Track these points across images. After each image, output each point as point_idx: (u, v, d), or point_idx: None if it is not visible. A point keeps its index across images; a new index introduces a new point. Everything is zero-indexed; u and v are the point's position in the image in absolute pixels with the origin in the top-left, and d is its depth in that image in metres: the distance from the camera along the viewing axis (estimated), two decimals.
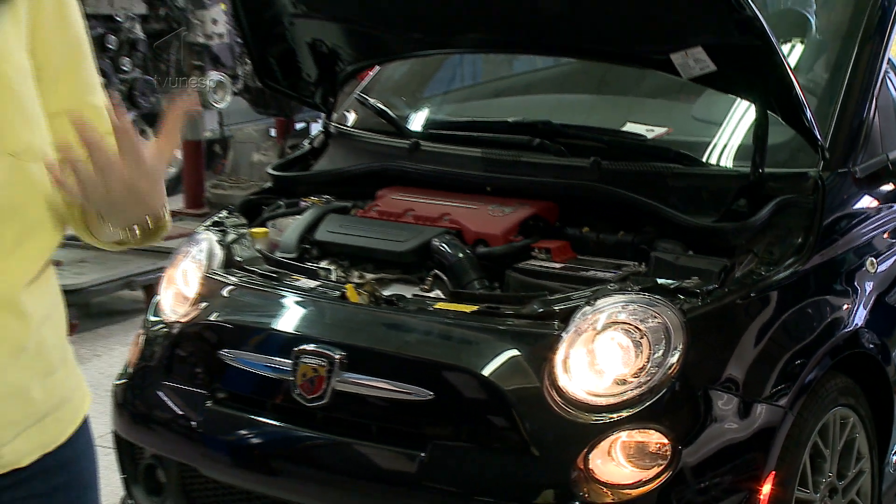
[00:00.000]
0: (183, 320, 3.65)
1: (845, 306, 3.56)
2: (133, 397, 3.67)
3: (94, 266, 6.41)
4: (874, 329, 3.61)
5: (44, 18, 1.77)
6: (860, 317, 3.57)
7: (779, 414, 3.21)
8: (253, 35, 4.15)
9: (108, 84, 7.15)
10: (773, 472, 3.18)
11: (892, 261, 3.80)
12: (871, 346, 3.59)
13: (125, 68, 7.37)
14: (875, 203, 3.82)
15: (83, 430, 1.87)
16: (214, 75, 7.85)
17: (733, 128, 3.92)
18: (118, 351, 4.66)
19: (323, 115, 4.50)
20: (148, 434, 3.66)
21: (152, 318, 3.78)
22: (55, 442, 1.79)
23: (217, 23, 7.76)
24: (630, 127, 4.00)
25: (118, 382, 3.73)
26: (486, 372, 3.16)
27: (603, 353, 3.13)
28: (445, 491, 3.20)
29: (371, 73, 4.64)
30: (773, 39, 3.28)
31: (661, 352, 3.11)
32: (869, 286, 3.65)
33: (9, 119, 1.65)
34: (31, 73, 1.72)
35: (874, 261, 3.70)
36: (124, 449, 3.71)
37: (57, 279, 1.80)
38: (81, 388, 1.89)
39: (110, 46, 7.21)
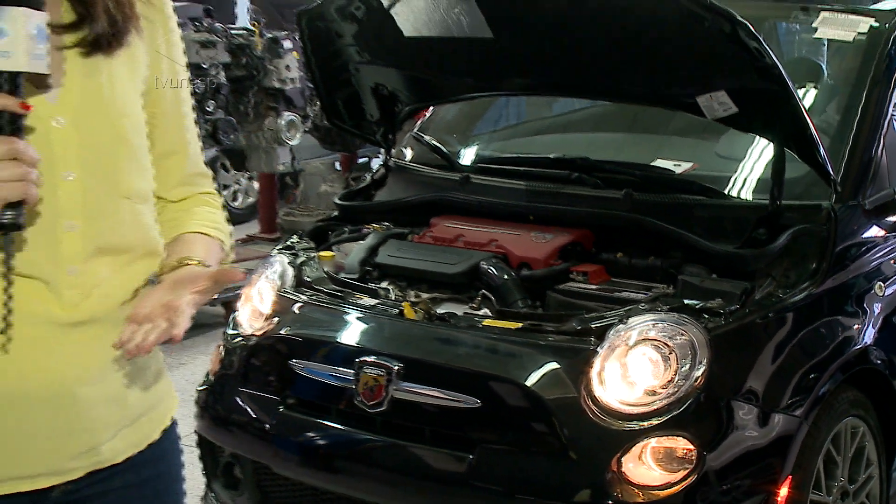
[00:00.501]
0: (258, 334, 3.66)
1: (856, 326, 3.52)
2: (214, 402, 3.69)
3: None
4: (882, 347, 3.57)
5: (160, 71, 1.81)
6: (869, 335, 3.53)
7: (795, 423, 3.19)
8: (322, 80, 4.16)
9: (196, 123, 7.21)
10: (790, 476, 3.16)
11: None
12: (880, 362, 3.56)
13: (210, 110, 7.41)
14: (883, 232, 3.79)
15: (171, 431, 1.89)
16: (287, 115, 7.89)
17: (753, 163, 3.89)
18: (201, 360, 4.68)
19: (383, 150, 4.50)
20: (226, 435, 3.67)
21: (231, 332, 3.80)
22: (146, 441, 1.82)
23: (290, 69, 7.80)
24: (659, 162, 3.99)
25: (201, 388, 3.75)
26: (529, 382, 3.15)
27: (635, 367, 3.12)
28: (491, 490, 3.18)
29: (426, 113, 4.65)
30: (790, 84, 3.27)
31: (687, 366, 3.10)
32: (877, 308, 3.61)
33: (125, 168, 1.69)
34: (145, 124, 1.75)
35: (882, 285, 3.66)
36: (206, 448, 3.72)
37: None
38: (170, 394, 1.91)
39: (197, 91, 7.25)
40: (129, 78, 1.72)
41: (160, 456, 1.85)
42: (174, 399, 1.92)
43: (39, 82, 1.54)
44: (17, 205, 1.43)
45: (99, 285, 1.67)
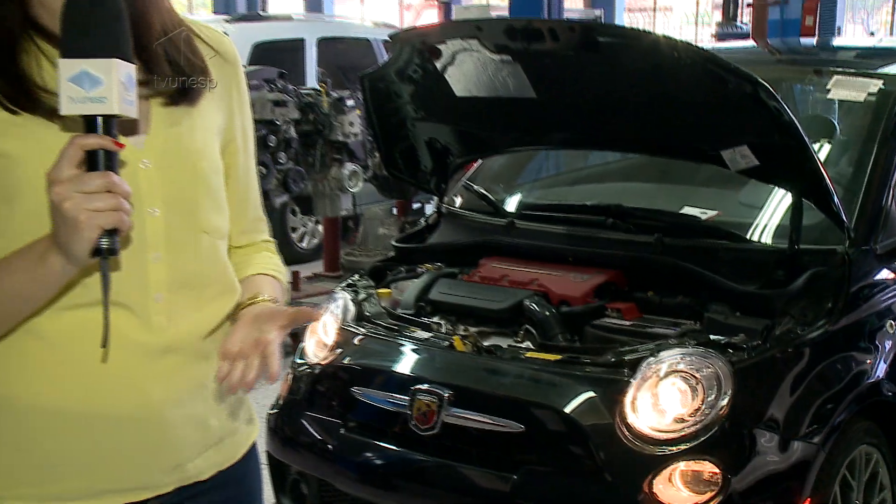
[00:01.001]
0: (323, 363, 3.68)
1: (868, 361, 3.47)
2: (283, 424, 3.69)
3: None
4: (894, 380, 3.52)
5: (233, 124, 1.83)
6: (881, 370, 3.49)
7: (813, 450, 3.15)
8: (382, 135, 4.18)
9: (269, 173, 7.29)
10: (809, 499, 3.13)
11: None
12: (891, 394, 3.50)
13: (281, 161, 7.47)
14: (893, 275, 3.74)
15: (252, 452, 1.90)
16: (350, 166, 7.93)
17: (773, 211, 3.87)
18: (272, 386, 4.67)
19: (436, 198, 4.51)
20: (294, 454, 3.67)
21: (298, 361, 3.81)
22: (229, 461, 1.82)
23: (353, 125, 7.85)
24: (687, 210, 3.97)
25: (271, 412, 3.75)
26: (568, 410, 3.14)
27: (665, 396, 3.10)
28: None
29: (475, 164, 4.65)
30: (806, 140, 3.27)
31: (713, 396, 3.08)
32: (888, 344, 3.57)
33: (204, 205, 1.71)
34: (222, 170, 1.78)
35: (893, 323, 3.62)
36: (275, 466, 3.72)
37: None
38: (252, 419, 1.91)
39: (271, 144, 7.32)
40: (207, 126, 1.75)
41: (242, 476, 1.86)
42: (255, 424, 1.93)
43: (129, 127, 1.57)
44: (112, 232, 1.45)
45: (183, 315, 1.69)
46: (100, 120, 1.44)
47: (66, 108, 1.43)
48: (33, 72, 1.58)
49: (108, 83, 1.43)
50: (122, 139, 1.48)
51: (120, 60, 1.44)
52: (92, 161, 1.43)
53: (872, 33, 22.26)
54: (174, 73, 1.68)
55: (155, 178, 1.64)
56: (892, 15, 23.11)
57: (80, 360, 1.60)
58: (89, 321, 1.56)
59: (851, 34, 20.02)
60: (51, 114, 1.52)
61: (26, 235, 1.53)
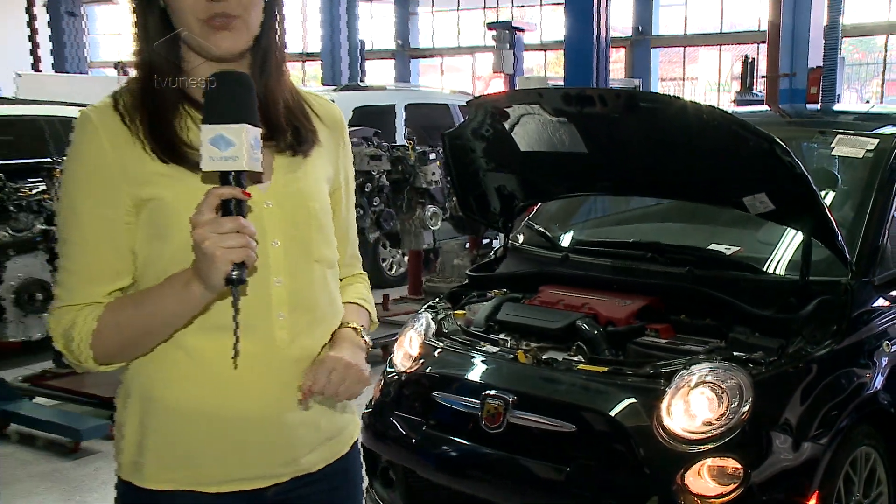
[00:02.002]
0: (408, 371, 3.68)
1: (867, 375, 3.40)
2: (375, 421, 3.69)
3: None
4: (889, 391, 3.45)
5: (339, 173, 1.85)
6: (879, 382, 3.42)
7: (820, 450, 3.09)
8: (459, 183, 4.20)
9: (365, 214, 7.38)
10: (817, 492, 3.06)
11: None
12: (887, 402, 3.43)
13: (375, 204, 7.55)
14: (888, 303, 3.67)
15: (355, 448, 1.91)
16: (431, 208, 7.98)
17: (786, 248, 3.84)
18: (366, 390, 4.70)
19: (503, 235, 4.50)
20: (384, 446, 3.66)
21: (388, 369, 3.82)
22: (335, 456, 1.83)
23: (434, 174, 7.91)
24: (713, 246, 3.93)
25: (366, 411, 3.75)
26: (613, 413, 3.11)
27: (695, 403, 3.07)
28: (583, 495, 3.13)
29: (535, 207, 4.64)
30: (815, 188, 3.24)
31: (736, 403, 3.05)
32: (885, 361, 3.50)
33: (316, 239, 1.73)
34: (330, 210, 1.80)
35: (889, 343, 3.55)
36: (368, 456, 3.70)
37: None
38: (354, 420, 1.91)
39: (367, 190, 7.41)
40: (318, 174, 1.76)
41: (346, 468, 1.86)
42: (357, 424, 1.93)
43: (255, 177, 1.60)
44: (241, 265, 1.48)
45: (300, 333, 1.70)
46: (232, 174, 1.48)
47: (206, 165, 1.48)
48: (183, 132, 1.63)
49: (240, 145, 1.47)
50: (249, 188, 1.51)
51: (249, 126, 1.48)
52: (226, 207, 1.47)
53: (868, 101, 22.04)
54: (292, 133, 1.72)
55: (276, 216, 1.66)
56: (882, 86, 22.96)
57: (216, 370, 1.63)
58: (223, 338, 1.58)
59: (849, 101, 19.85)
60: (195, 166, 1.56)
61: (175, 266, 1.57)
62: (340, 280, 1.91)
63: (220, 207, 1.47)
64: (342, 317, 1.83)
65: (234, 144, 1.47)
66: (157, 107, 1.62)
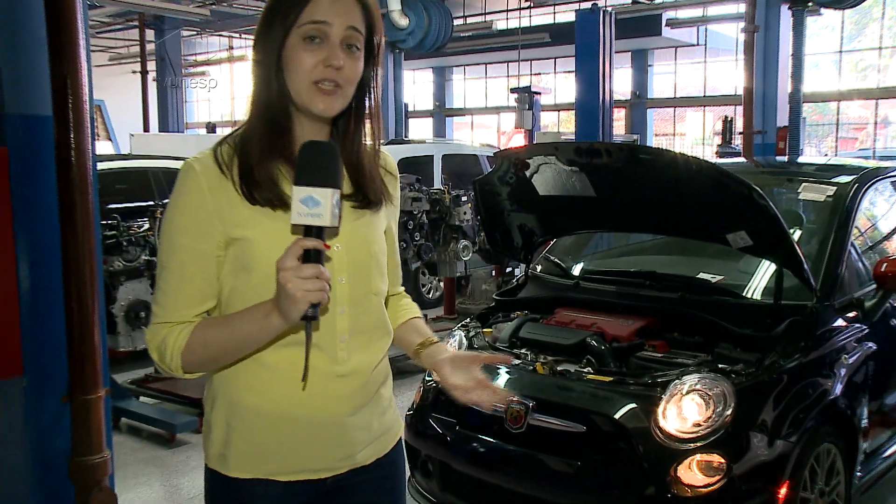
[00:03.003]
0: None
1: (829, 383, 3.36)
2: (416, 421, 3.66)
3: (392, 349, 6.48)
4: (847, 397, 3.42)
5: (391, 217, 1.84)
6: (838, 389, 3.38)
7: (790, 446, 3.06)
8: (487, 221, 4.17)
9: (407, 246, 7.39)
10: (787, 481, 3.03)
11: (856, 356, 3.57)
12: (844, 406, 3.40)
13: (416, 238, 7.56)
14: (846, 323, 3.64)
15: (399, 445, 1.88)
16: (463, 242, 7.97)
17: (762, 277, 3.80)
18: (407, 395, 4.66)
19: (524, 265, 4.46)
20: (423, 442, 3.62)
21: (427, 378, 3.78)
22: (384, 451, 1.81)
23: (466, 214, 7.92)
24: (701, 275, 3.90)
25: (408, 413, 3.73)
26: (617, 416, 3.07)
27: (686, 408, 3.04)
28: (591, 485, 3.08)
29: (551, 242, 4.60)
30: (785, 227, 3.24)
31: (721, 407, 3.02)
32: (843, 371, 3.46)
33: (374, 275, 1.72)
34: (386, 251, 1.78)
35: (846, 356, 3.51)
36: (410, 450, 3.65)
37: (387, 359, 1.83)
38: (398, 421, 1.88)
39: (409, 227, 7.42)
40: (377, 221, 1.75)
41: (392, 461, 1.84)
42: (401, 425, 1.91)
43: (333, 231, 1.59)
44: (316, 305, 1.48)
45: (358, 352, 1.69)
46: (314, 228, 1.48)
47: (295, 220, 1.48)
48: (280, 182, 1.61)
49: (325, 205, 1.47)
50: (328, 239, 1.52)
51: (334, 189, 1.48)
52: (307, 255, 1.46)
53: (825, 154, 22.00)
54: (370, 194, 1.71)
55: (343, 257, 1.65)
56: (836, 142, 23.12)
57: (288, 381, 1.62)
58: (295, 355, 1.58)
59: (810, 155, 19.81)
60: (284, 209, 1.57)
61: (257, 295, 1.57)
62: (392, 296, 1.90)
63: (303, 255, 1.46)
64: (416, 333, 1.85)
65: (320, 204, 1.46)
66: (260, 153, 1.61)
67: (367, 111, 1.69)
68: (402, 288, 1.99)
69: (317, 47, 1.56)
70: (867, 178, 4.28)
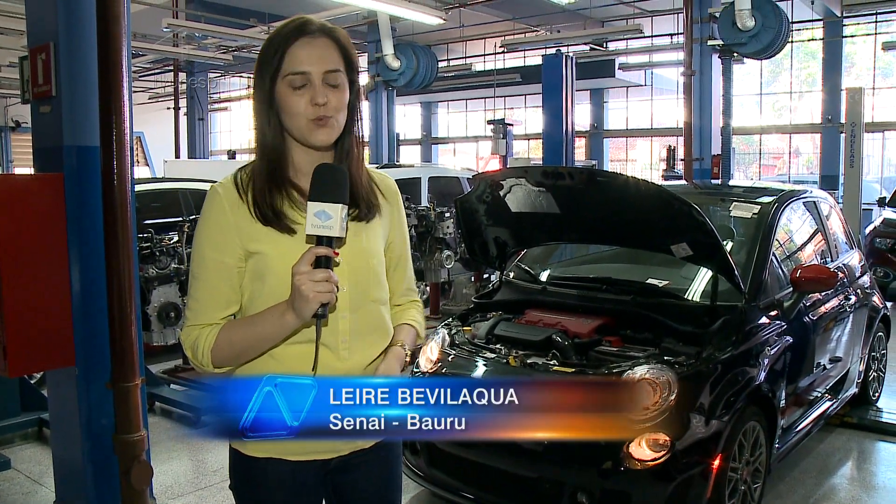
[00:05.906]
0: (430, 371, 3.62)
1: (755, 371, 3.38)
2: None
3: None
4: (769, 382, 3.45)
5: (395, 233, 1.81)
6: (762, 376, 3.41)
7: (723, 425, 3.08)
8: (467, 234, 4.17)
9: None
10: (720, 454, 3.06)
11: (776, 348, 3.60)
12: (766, 390, 3.43)
13: None
14: (768, 321, 3.66)
15: None
16: (446, 252, 7.95)
17: (700, 282, 3.81)
18: None
19: (498, 272, 4.44)
20: None
21: (415, 370, 3.74)
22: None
23: (449, 228, 7.90)
24: (650, 280, 3.91)
25: None
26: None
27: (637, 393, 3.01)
28: (558, 459, 3.08)
29: (522, 252, 4.60)
30: (719, 239, 3.27)
31: (666, 393, 3.02)
32: (766, 361, 3.49)
33: (372, 285, 1.70)
34: (384, 262, 1.76)
35: (769, 348, 3.54)
36: None
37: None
38: None
39: None
40: (377, 235, 1.73)
41: (391, 445, 1.82)
42: None
43: (340, 242, 1.57)
44: (325, 304, 1.49)
45: (358, 351, 1.68)
46: (325, 238, 1.48)
47: (309, 230, 1.49)
48: (283, 207, 1.62)
49: (335, 218, 1.48)
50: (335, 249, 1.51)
51: (342, 204, 1.49)
52: (318, 261, 1.47)
53: (751, 179, 22.29)
54: (364, 205, 1.69)
55: (345, 268, 1.63)
56: (759, 168, 23.66)
57: (297, 373, 1.60)
58: (305, 351, 1.58)
59: (738, 179, 20.08)
60: (286, 230, 1.59)
61: (272, 299, 1.57)
62: (399, 305, 1.86)
63: (315, 261, 1.47)
64: (395, 334, 1.80)
65: (331, 217, 1.47)
66: (263, 184, 1.61)
67: (360, 132, 1.68)
68: (415, 297, 1.93)
69: (304, 91, 1.57)
70: (785, 198, 4.35)
